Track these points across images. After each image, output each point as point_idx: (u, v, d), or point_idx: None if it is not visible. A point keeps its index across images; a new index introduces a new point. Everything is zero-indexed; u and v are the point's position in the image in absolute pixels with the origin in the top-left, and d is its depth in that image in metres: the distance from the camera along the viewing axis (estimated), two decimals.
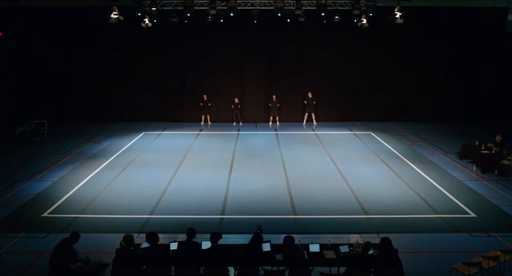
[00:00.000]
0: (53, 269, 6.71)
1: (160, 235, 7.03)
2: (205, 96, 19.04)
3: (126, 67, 19.57)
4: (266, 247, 6.94)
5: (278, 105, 19.20)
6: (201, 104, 19.03)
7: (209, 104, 19.26)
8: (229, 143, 16.08)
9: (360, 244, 6.98)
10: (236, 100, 19.15)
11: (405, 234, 8.84)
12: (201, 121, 19.42)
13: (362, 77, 19.87)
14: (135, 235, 8.56)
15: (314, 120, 19.18)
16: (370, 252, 6.78)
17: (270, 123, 19.37)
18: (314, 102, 18.88)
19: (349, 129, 18.55)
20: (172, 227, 9.03)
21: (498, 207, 10.21)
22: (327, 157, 14.39)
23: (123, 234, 7.02)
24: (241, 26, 18.72)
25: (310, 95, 18.91)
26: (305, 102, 19.06)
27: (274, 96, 19.07)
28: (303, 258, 6.77)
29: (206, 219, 9.58)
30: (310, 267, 6.60)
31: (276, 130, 18.48)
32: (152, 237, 6.75)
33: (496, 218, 9.62)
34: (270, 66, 19.92)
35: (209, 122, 19.39)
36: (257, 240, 6.80)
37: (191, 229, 6.93)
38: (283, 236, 6.99)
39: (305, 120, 19.31)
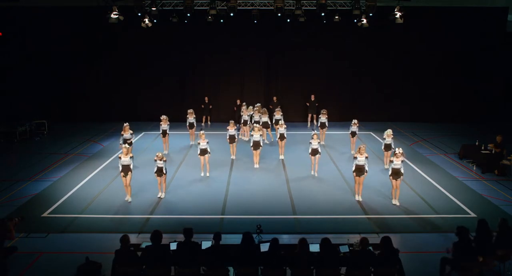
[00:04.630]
0: None
1: None
2: (206, 98, 19.02)
3: (126, 67, 19.58)
4: (265, 247, 6.92)
5: (279, 106, 19.08)
6: (203, 106, 18.92)
7: (210, 106, 19.27)
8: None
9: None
10: (239, 102, 18.68)
11: (405, 234, 8.85)
12: (202, 122, 19.36)
13: (362, 77, 19.86)
14: (135, 235, 8.60)
15: (315, 121, 18.97)
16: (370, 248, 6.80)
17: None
18: (317, 105, 18.64)
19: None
20: (172, 227, 9.02)
21: (498, 207, 10.21)
22: (327, 157, 14.40)
23: (123, 234, 7.02)
24: (241, 26, 18.72)
25: (313, 98, 18.76)
26: (308, 104, 18.95)
27: (274, 98, 18.92)
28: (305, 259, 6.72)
29: (206, 219, 9.59)
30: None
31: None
32: (156, 236, 6.74)
33: (496, 218, 9.58)
34: (270, 66, 19.92)
35: (209, 123, 19.34)
36: (248, 238, 6.79)
37: (188, 229, 6.92)
38: (283, 236, 6.99)
39: (309, 122, 19.21)
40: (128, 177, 10.37)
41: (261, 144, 13.10)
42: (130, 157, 10.34)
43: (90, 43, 19.34)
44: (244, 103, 17.03)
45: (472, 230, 7.17)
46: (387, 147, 12.81)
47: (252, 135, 13.01)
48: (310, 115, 19.09)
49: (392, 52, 19.45)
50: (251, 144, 13.10)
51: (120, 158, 10.35)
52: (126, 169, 10.33)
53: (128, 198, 10.56)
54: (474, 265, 6.73)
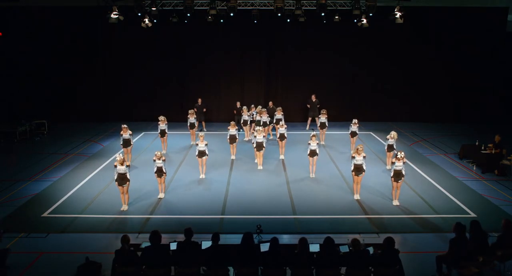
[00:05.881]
0: None
1: None
2: (199, 100, 17.77)
3: (126, 67, 19.58)
4: (265, 247, 6.92)
5: (280, 106, 18.82)
6: (195, 109, 16.96)
7: (205, 109, 17.86)
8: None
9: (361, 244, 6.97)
10: (238, 105, 17.78)
11: (405, 234, 8.85)
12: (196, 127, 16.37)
13: (362, 77, 19.86)
14: (135, 235, 8.60)
15: (318, 126, 18.27)
16: (370, 249, 6.79)
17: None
18: (318, 106, 18.05)
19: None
20: (172, 227, 9.03)
21: (498, 207, 10.21)
22: (327, 157, 14.40)
23: (123, 234, 7.02)
24: (241, 26, 18.72)
25: (313, 98, 18.29)
26: (309, 106, 18.55)
27: (270, 103, 17.90)
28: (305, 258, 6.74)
29: (206, 219, 9.59)
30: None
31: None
32: (155, 236, 6.74)
33: (496, 218, 9.60)
34: (270, 66, 19.91)
35: (205, 129, 17.94)
36: (248, 238, 6.79)
37: (188, 229, 6.93)
38: (283, 236, 6.98)
39: (308, 125, 18.88)
40: (126, 186, 9.93)
41: (264, 145, 13.10)
42: (126, 166, 9.93)
43: (90, 43, 19.34)
44: (253, 107, 16.74)
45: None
46: (390, 147, 12.81)
47: (255, 137, 13.01)
48: (310, 119, 18.65)
49: (392, 52, 19.44)
50: (254, 145, 13.08)
51: (115, 166, 9.82)
52: (122, 178, 9.80)
53: (125, 207, 10.04)
54: (472, 264, 6.73)
